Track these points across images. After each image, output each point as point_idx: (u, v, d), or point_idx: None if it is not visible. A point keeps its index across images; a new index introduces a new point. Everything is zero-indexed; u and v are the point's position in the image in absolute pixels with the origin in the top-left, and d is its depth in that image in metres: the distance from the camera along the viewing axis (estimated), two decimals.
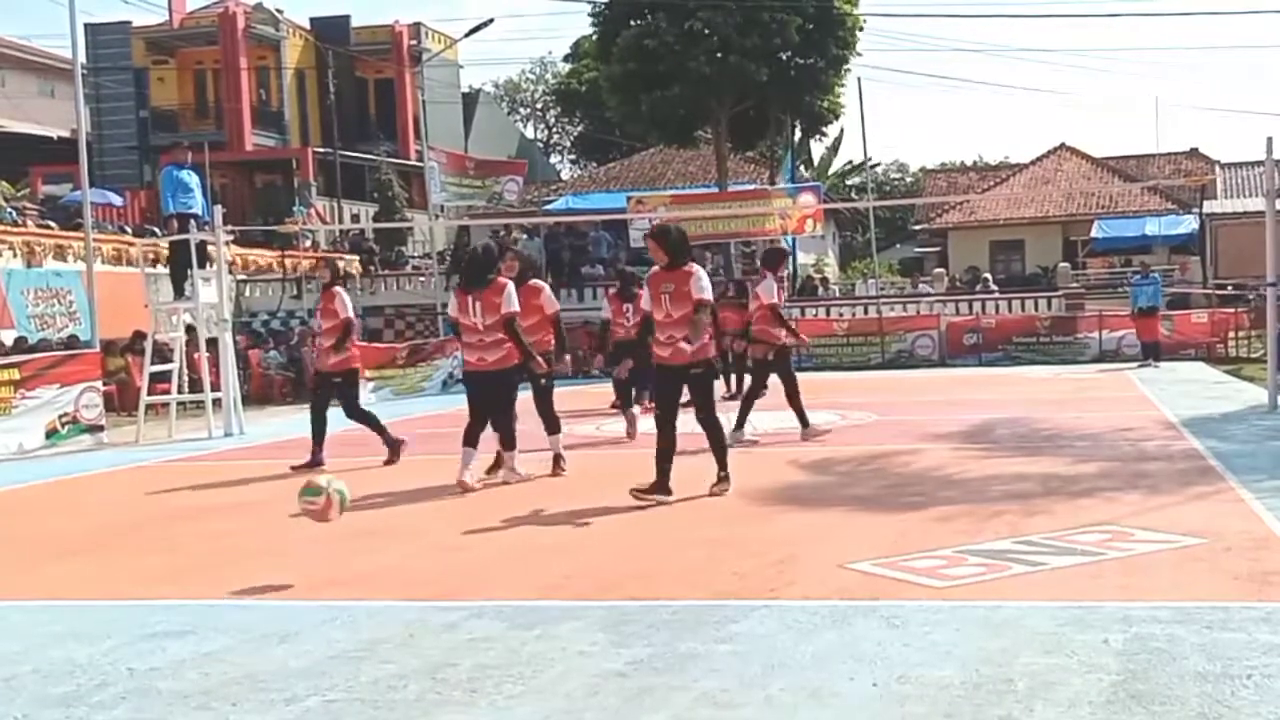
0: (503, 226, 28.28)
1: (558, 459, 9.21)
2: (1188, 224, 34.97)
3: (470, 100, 48.62)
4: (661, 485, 7.60)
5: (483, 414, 8.68)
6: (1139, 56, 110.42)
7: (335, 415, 10.38)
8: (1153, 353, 21.20)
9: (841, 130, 37.01)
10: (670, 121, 28.24)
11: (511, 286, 8.61)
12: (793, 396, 10.85)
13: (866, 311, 25.86)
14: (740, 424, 10.69)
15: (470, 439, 8.55)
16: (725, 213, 26.02)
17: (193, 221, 14.07)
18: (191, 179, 14.37)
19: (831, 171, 47.40)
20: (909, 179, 63.24)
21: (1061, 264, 32.09)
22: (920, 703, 3.69)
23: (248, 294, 26.06)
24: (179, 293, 14.40)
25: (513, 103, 62.46)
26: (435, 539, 6.81)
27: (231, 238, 19.35)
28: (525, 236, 28.01)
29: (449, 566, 6.10)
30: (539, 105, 63.61)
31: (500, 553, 6.35)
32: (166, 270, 15.40)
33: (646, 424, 9.50)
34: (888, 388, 17.85)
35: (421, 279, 27.42)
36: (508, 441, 8.79)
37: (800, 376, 11.11)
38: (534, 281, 9.76)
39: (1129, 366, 20.77)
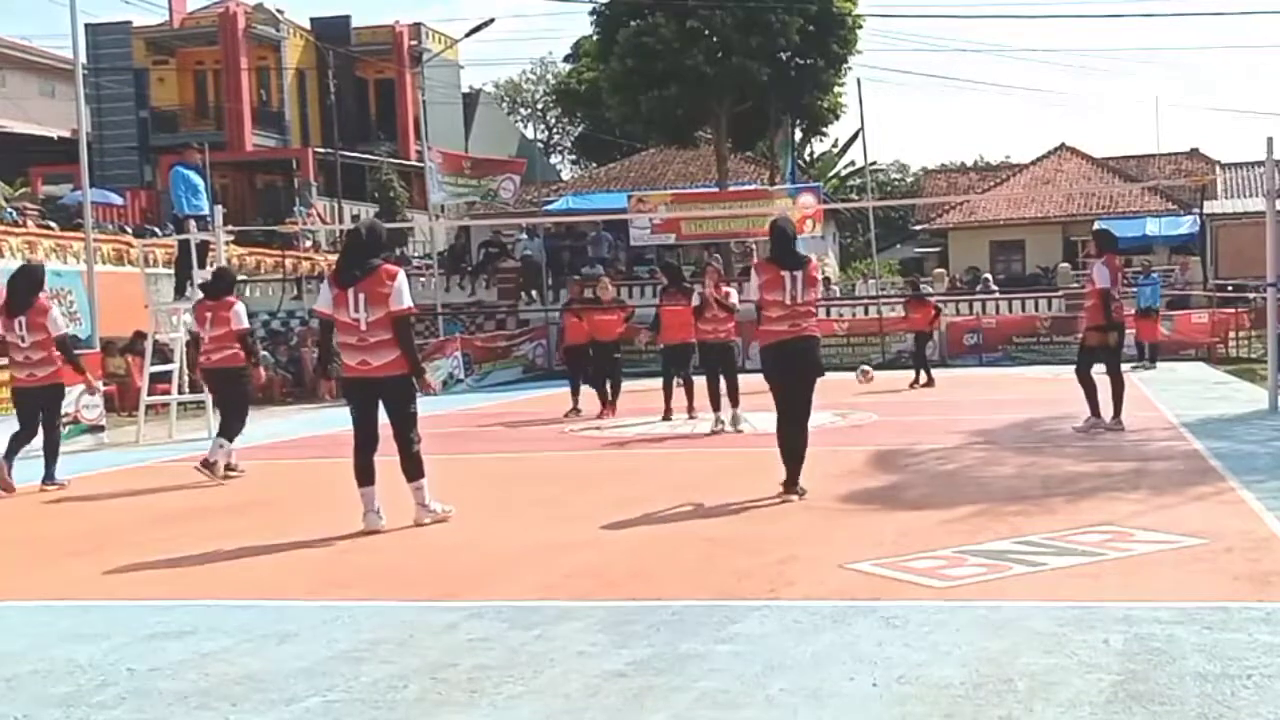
0: (502, 226, 28.29)
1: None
2: (1188, 224, 34.95)
3: (470, 100, 48.56)
4: None
5: (372, 436, 7.08)
6: (1139, 56, 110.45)
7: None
8: (1151, 354, 21.17)
9: (857, 132, 36.92)
10: (670, 121, 28.26)
11: (404, 277, 7.06)
12: (1117, 383, 10.94)
13: (867, 312, 25.84)
14: (1117, 413, 10.83)
15: (365, 475, 7.00)
16: (725, 213, 26.04)
17: (197, 223, 14.08)
18: (199, 180, 14.40)
19: (832, 174, 47.38)
20: (909, 179, 63.23)
21: (1062, 264, 32.05)
22: (920, 703, 3.69)
23: (248, 294, 26.04)
24: (180, 293, 14.40)
25: (513, 103, 62.43)
26: (435, 539, 6.81)
27: (231, 238, 19.34)
28: (525, 236, 28.02)
29: (449, 566, 6.09)
30: (539, 105, 63.58)
31: (500, 553, 6.35)
32: (170, 270, 15.40)
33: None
34: (889, 388, 17.84)
35: (421, 279, 27.41)
36: (412, 467, 7.06)
37: None
38: (230, 297, 10.16)
39: (1126, 368, 20.75)
